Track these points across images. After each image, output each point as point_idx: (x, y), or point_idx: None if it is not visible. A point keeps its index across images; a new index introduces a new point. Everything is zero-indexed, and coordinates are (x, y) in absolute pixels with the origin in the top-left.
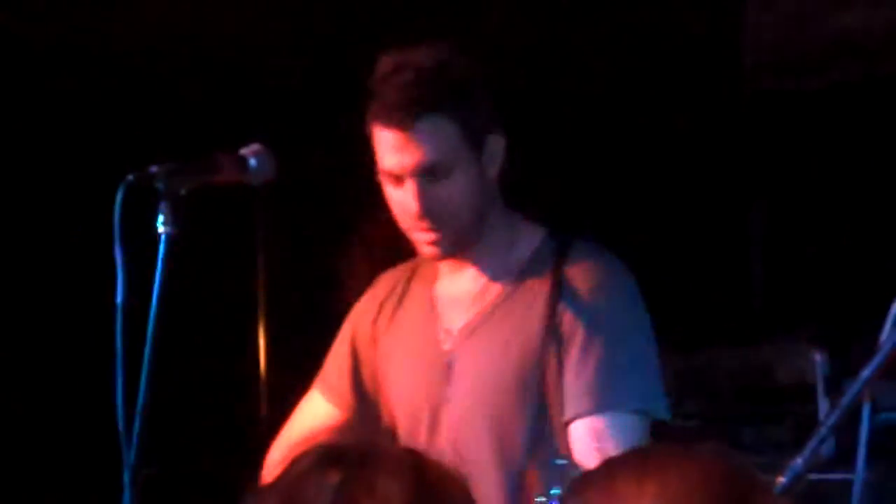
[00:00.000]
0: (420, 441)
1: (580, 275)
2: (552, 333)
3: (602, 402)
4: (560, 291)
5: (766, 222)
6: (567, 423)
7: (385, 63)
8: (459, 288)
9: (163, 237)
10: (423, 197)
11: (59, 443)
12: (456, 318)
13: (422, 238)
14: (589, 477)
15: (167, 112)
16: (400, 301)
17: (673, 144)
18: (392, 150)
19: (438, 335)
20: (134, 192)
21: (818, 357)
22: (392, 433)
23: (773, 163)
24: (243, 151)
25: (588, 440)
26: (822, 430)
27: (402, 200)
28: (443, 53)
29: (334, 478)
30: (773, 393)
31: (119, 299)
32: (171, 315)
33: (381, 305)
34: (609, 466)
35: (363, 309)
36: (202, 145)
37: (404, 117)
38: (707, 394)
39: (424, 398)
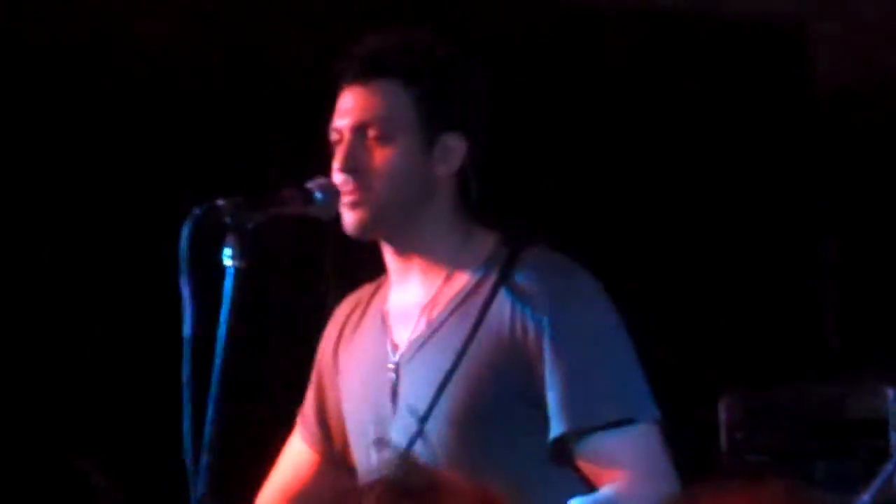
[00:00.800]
0: (369, 460)
1: (533, 283)
2: (514, 347)
3: (580, 422)
4: (512, 302)
5: (838, 256)
6: (553, 442)
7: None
8: (408, 298)
9: (230, 271)
10: (351, 151)
11: (127, 476)
12: (404, 332)
13: (343, 202)
14: None
15: (235, 143)
16: (359, 321)
17: (743, 175)
18: (341, 107)
19: (387, 349)
20: (201, 226)
21: (891, 393)
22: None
23: (846, 195)
24: (309, 185)
25: (595, 468)
26: (890, 467)
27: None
28: (431, 36)
29: None
30: (845, 428)
31: (186, 332)
32: (239, 348)
33: (342, 329)
34: (683, 500)
35: (327, 336)
36: (271, 176)
37: (362, 71)
38: (779, 429)
39: (371, 416)
